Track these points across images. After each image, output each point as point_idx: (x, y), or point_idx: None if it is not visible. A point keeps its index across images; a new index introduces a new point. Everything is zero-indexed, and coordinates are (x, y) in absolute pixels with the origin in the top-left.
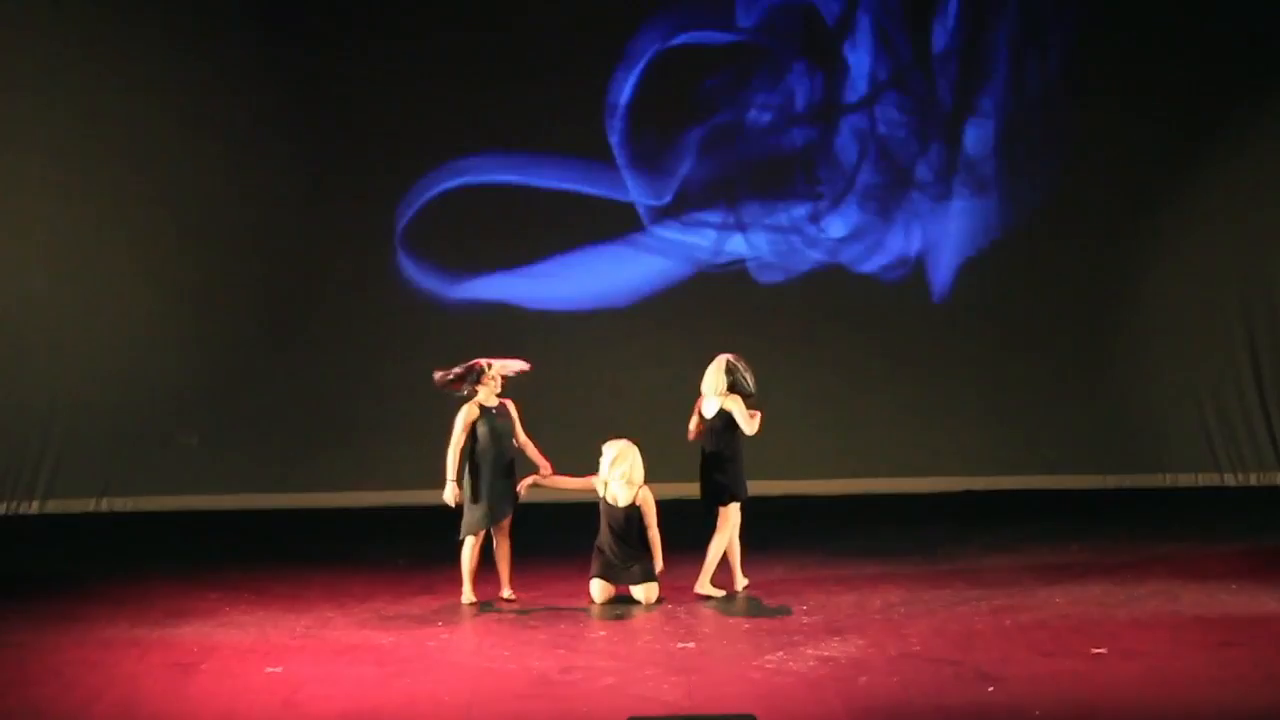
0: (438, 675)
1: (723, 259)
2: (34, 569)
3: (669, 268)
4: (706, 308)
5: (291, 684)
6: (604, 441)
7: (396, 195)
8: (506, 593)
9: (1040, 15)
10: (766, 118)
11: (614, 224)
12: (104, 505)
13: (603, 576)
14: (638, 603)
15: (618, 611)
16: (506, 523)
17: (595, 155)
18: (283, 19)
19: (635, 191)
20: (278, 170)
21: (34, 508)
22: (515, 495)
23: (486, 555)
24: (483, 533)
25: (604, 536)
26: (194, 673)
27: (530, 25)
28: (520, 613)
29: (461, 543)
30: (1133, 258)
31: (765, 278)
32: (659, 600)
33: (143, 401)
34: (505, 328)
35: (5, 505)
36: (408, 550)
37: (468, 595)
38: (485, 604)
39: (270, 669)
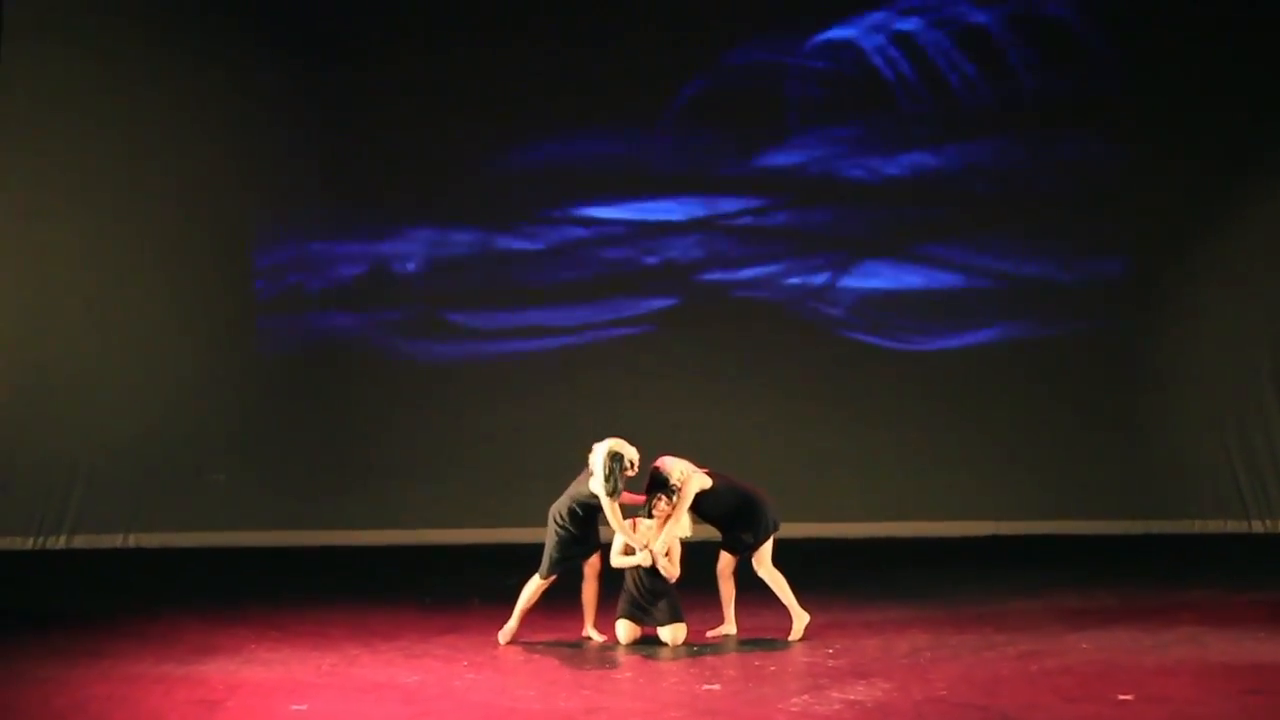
0: (463, 715)
1: (753, 297)
2: (61, 604)
3: (694, 302)
4: (733, 346)
5: None
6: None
7: (422, 232)
8: (592, 632)
9: (1071, 44)
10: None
11: (642, 258)
12: (131, 541)
13: (629, 618)
14: (664, 644)
15: (644, 653)
16: (598, 563)
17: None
18: (323, 49)
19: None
20: (310, 211)
21: (61, 543)
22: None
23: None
24: (551, 578)
25: (631, 575)
26: (219, 710)
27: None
28: (546, 653)
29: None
30: (1158, 299)
31: (794, 318)
32: (686, 642)
33: (170, 439)
34: (528, 368)
35: (33, 540)
36: (432, 589)
37: (509, 632)
38: (512, 642)
39: (295, 706)
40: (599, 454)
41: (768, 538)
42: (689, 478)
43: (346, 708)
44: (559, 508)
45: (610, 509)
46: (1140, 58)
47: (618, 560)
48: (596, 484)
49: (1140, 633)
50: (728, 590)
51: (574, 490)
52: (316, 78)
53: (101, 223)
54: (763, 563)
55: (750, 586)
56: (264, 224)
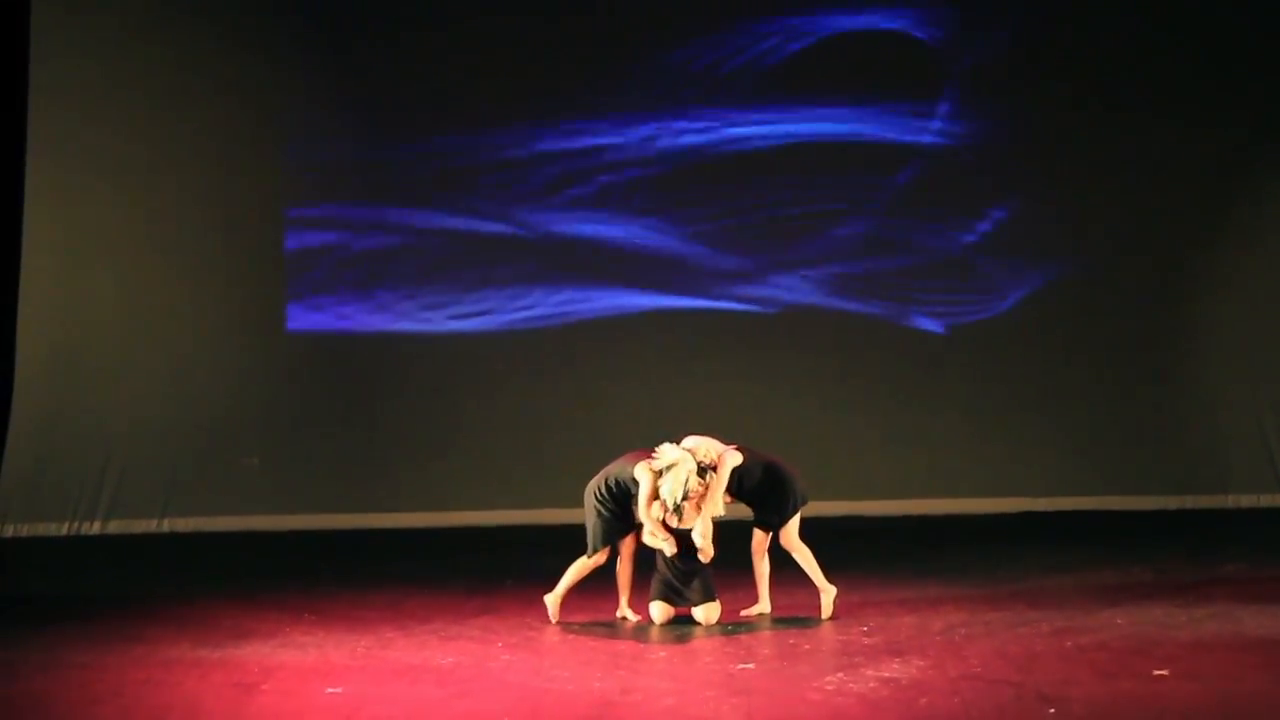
0: (498, 696)
1: (789, 278)
2: (96, 589)
3: (733, 281)
4: (770, 328)
5: (352, 704)
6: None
7: (457, 218)
8: (627, 612)
9: (1100, 30)
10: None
11: (678, 232)
12: (165, 526)
13: (663, 599)
14: (698, 624)
15: (678, 633)
16: (634, 544)
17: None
18: (354, 44)
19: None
20: (342, 192)
21: (96, 528)
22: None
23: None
24: (600, 554)
25: (663, 556)
26: (255, 693)
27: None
28: (581, 633)
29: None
30: (1193, 275)
31: (829, 296)
32: (720, 621)
33: (204, 422)
34: (563, 347)
35: (67, 525)
36: (467, 570)
37: (556, 610)
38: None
39: (331, 689)
40: (681, 467)
41: (796, 512)
42: (721, 456)
43: (382, 690)
44: (599, 487)
45: (646, 501)
46: (1172, 33)
47: (650, 539)
48: (664, 486)
49: (1175, 608)
50: (762, 568)
51: (618, 470)
52: (348, 55)
53: (133, 207)
54: (790, 537)
55: (784, 565)
56: (295, 206)
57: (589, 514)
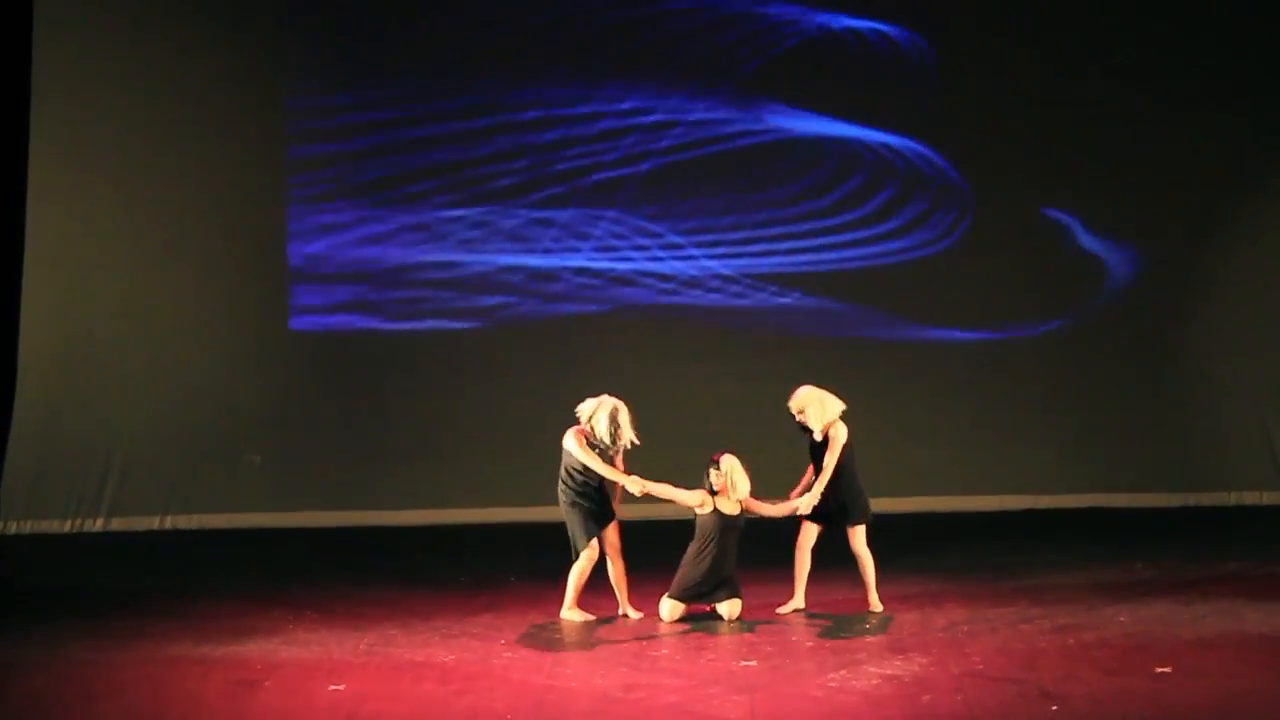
0: (501, 693)
1: (790, 277)
2: (98, 586)
3: (736, 280)
4: (773, 325)
5: (354, 701)
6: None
7: (458, 216)
8: (629, 610)
9: (1109, 22)
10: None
11: (674, 225)
12: (168, 523)
13: (680, 598)
14: (706, 621)
15: (681, 630)
16: (617, 541)
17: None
18: (360, 41)
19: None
20: (346, 190)
21: (99, 525)
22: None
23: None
24: (591, 549)
25: (698, 554)
26: (257, 690)
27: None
28: (584, 631)
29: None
30: (1195, 273)
31: (829, 296)
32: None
33: (207, 420)
34: (565, 345)
35: (70, 522)
36: (470, 568)
37: (574, 613)
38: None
39: (333, 686)
40: (602, 408)
41: (863, 521)
42: (835, 423)
43: (384, 687)
44: (561, 483)
45: (585, 457)
46: (1179, 22)
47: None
48: (597, 428)
49: (1178, 605)
50: (803, 564)
51: (564, 457)
52: (355, 52)
53: (136, 205)
54: (860, 542)
55: (789, 563)
56: (298, 204)
57: (565, 513)
